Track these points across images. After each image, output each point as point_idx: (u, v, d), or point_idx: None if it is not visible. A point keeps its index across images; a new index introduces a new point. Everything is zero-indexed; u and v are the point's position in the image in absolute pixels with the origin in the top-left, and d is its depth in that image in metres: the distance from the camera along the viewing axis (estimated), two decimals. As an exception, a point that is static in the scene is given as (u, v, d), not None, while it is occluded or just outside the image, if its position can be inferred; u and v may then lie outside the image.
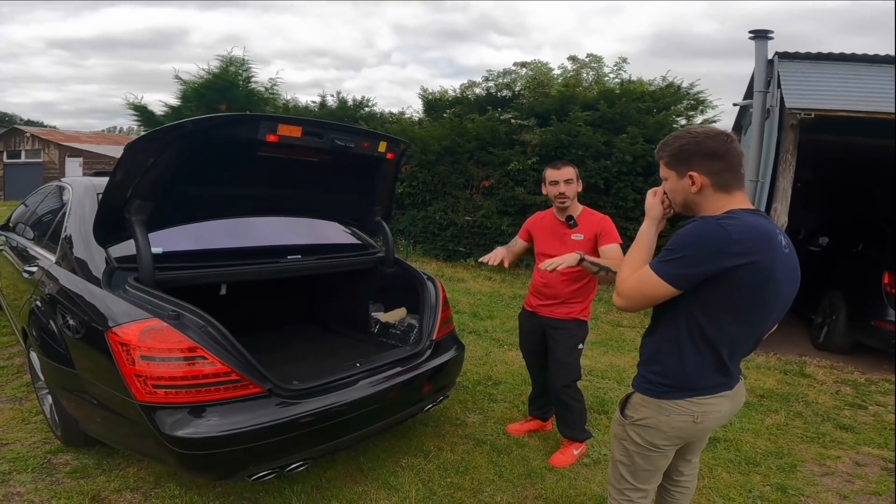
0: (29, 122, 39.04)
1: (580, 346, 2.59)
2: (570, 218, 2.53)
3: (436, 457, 2.63)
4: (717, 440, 2.92)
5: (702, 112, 8.50)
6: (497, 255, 2.49)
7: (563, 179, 2.48)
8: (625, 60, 9.67)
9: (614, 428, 1.66)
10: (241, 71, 11.85)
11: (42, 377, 2.51)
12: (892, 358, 4.43)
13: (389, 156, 2.54)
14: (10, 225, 3.83)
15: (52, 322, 2.23)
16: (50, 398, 2.48)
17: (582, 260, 2.15)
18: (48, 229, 2.83)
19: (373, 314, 3.04)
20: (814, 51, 4.61)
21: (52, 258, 2.49)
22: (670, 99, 8.16)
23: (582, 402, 2.64)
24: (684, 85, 8.47)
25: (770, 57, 4.56)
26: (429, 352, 2.52)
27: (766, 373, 4.16)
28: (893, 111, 3.91)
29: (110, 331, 1.84)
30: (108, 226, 2.04)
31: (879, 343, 4.43)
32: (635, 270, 1.42)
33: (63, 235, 2.48)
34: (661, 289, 1.34)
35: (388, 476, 2.44)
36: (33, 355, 2.58)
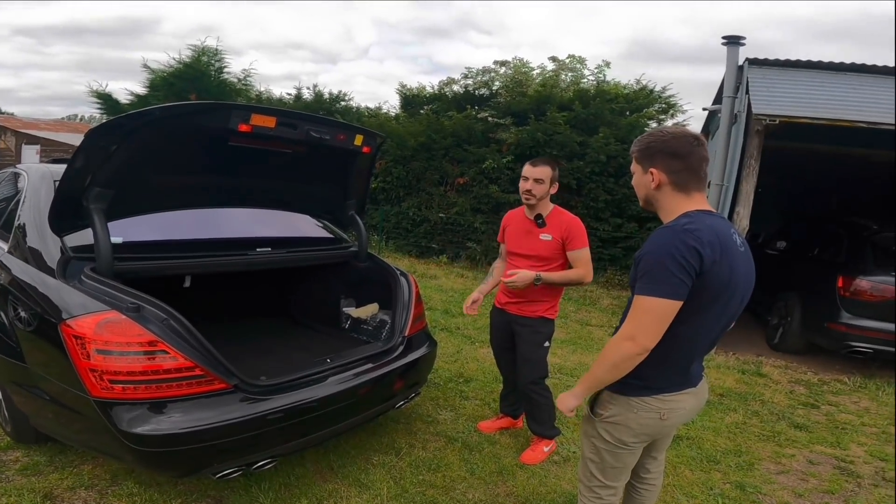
0: (-16, 108, 37.06)
1: (546, 343, 2.62)
2: (538, 217, 2.53)
3: (407, 454, 2.61)
4: (680, 438, 2.99)
5: (672, 115, 8.76)
6: (472, 301, 2.73)
7: (533, 177, 2.48)
8: (607, 64, 9.81)
9: (584, 426, 1.69)
10: (213, 61, 11.53)
11: None
12: (844, 357, 4.60)
13: (365, 149, 2.50)
14: None
15: (2, 314, 2.12)
16: (0, 393, 2.36)
17: (538, 279, 2.24)
18: (1, 217, 2.69)
19: (344, 309, 2.99)
20: (782, 57, 4.73)
21: (5, 247, 2.36)
22: (642, 101, 8.35)
23: (550, 398, 2.66)
24: (657, 89, 8.69)
25: (740, 63, 4.66)
26: (401, 348, 2.51)
27: (725, 372, 4.28)
28: (856, 119, 4.06)
29: (64, 323, 1.76)
30: (65, 213, 1.95)
31: (832, 344, 4.58)
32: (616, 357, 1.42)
33: (17, 223, 2.35)
34: (671, 307, 1.34)
35: (358, 474, 2.41)
36: None
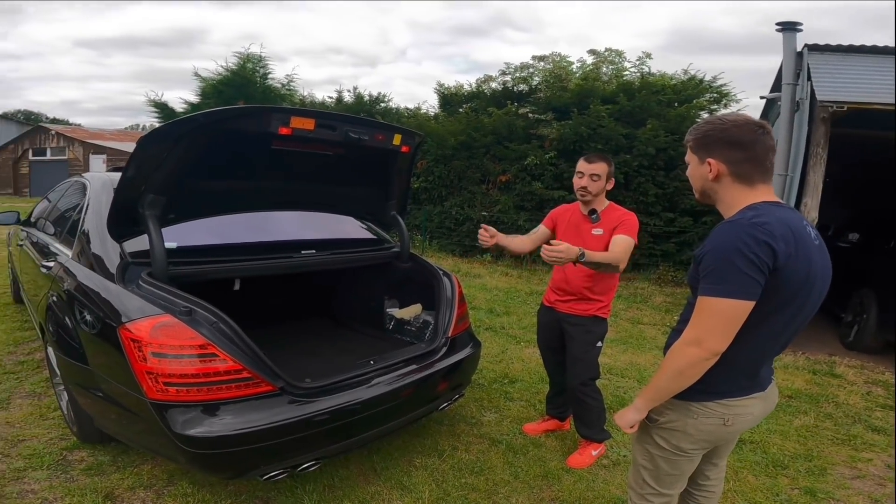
0: (54, 121, 39.99)
1: (598, 343, 2.53)
2: (592, 212, 2.47)
3: (450, 456, 2.58)
4: (742, 442, 2.84)
5: (726, 105, 8.34)
6: (489, 236, 2.43)
7: (588, 173, 2.42)
8: (648, 55, 9.45)
9: (639, 432, 1.59)
10: (258, 67, 11.95)
11: (58, 373, 2.52)
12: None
13: (404, 149, 2.48)
14: (32, 220, 3.88)
15: (67, 317, 2.23)
16: (66, 394, 2.49)
17: (582, 256, 2.09)
18: (67, 224, 2.84)
19: (388, 310, 3.00)
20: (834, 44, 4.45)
21: (70, 253, 2.49)
22: (692, 92, 7.99)
23: (600, 401, 2.58)
24: (707, 78, 8.29)
25: (798, 49, 4.41)
26: (444, 349, 2.48)
27: (794, 373, 4.04)
28: None
29: (122, 326, 1.82)
30: (122, 220, 2.03)
31: None
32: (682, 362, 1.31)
33: (80, 230, 2.48)
34: (743, 308, 1.23)
35: (401, 476, 2.41)
36: (50, 351, 2.60)
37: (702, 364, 1.28)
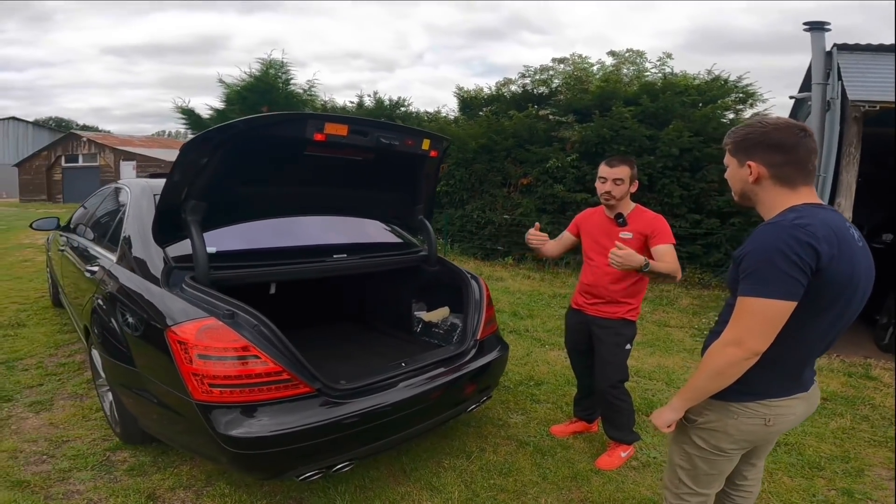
0: (84, 128, 41.27)
1: (627, 346, 2.52)
2: (619, 216, 2.47)
3: (478, 458, 2.60)
4: (777, 444, 2.79)
5: (751, 105, 8.19)
6: (538, 238, 2.53)
7: (612, 178, 2.42)
8: (669, 56, 9.38)
9: (675, 431, 1.58)
10: (280, 73, 12.18)
11: (103, 374, 2.60)
12: None
13: (433, 153, 2.53)
14: (71, 226, 4.01)
15: (113, 320, 2.31)
16: (110, 395, 2.56)
17: (646, 266, 2.09)
18: (108, 230, 2.94)
19: (416, 313, 3.03)
20: (863, 42, 4.38)
21: (113, 258, 2.57)
22: (717, 92, 7.87)
23: (629, 403, 2.57)
24: (731, 78, 8.16)
25: (828, 49, 4.35)
26: (473, 351, 2.49)
27: (829, 375, 3.97)
28: None
29: (169, 329, 1.88)
30: (166, 226, 2.09)
31: None
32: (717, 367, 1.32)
33: (123, 236, 2.57)
34: (784, 309, 1.23)
35: (430, 477, 2.43)
36: (94, 353, 2.68)
37: (741, 364, 1.28)
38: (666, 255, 2.31)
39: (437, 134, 2.56)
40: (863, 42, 4.46)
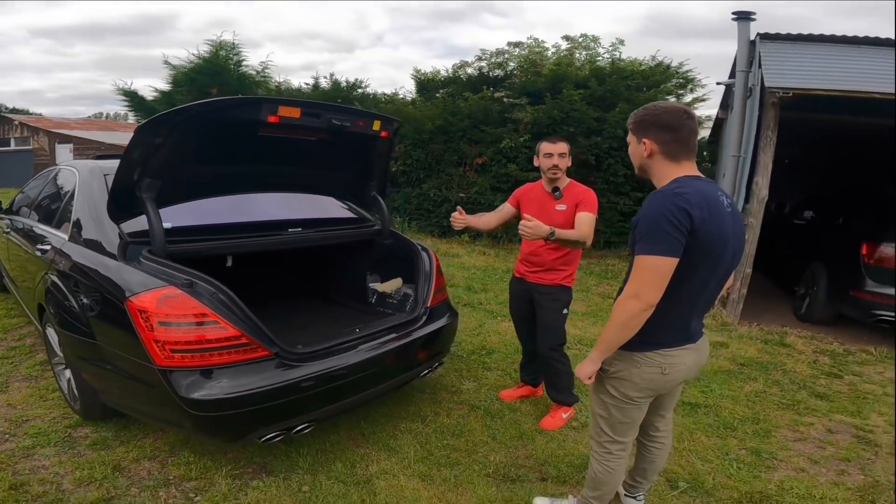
0: (14, 111, 38.36)
1: (564, 310, 2.72)
2: (556, 189, 2.64)
3: (433, 421, 2.77)
4: (697, 406, 3.06)
5: (691, 90, 8.63)
6: (460, 220, 2.62)
7: (557, 153, 2.59)
8: (621, 42, 9.70)
9: (594, 384, 1.81)
10: (231, 55, 11.72)
11: (59, 353, 2.61)
12: (873, 327, 4.49)
13: (383, 134, 2.64)
14: (14, 209, 3.90)
15: (70, 296, 2.33)
16: (68, 373, 2.58)
17: (552, 234, 2.28)
18: (57, 210, 2.91)
19: (370, 285, 3.16)
20: (805, 32, 4.67)
21: (65, 236, 2.57)
22: (659, 77, 8.24)
23: (568, 365, 2.75)
24: (674, 64, 8.56)
25: (752, 38, 4.64)
26: (424, 318, 2.65)
27: (748, 342, 4.28)
28: (870, 90, 4.00)
29: (128, 300, 1.94)
30: (121, 203, 2.14)
31: (857, 313, 4.51)
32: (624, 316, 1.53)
33: (74, 215, 2.57)
34: (669, 264, 1.45)
35: (387, 439, 2.58)
36: (50, 331, 2.68)
37: (641, 315, 1.51)
38: (582, 223, 2.49)
39: (387, 115, 2.68)
40: (804, 32, 4.74)
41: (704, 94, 8.62)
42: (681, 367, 1.67)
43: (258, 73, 12.09)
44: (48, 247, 2.69)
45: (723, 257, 1.56)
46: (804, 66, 4.35)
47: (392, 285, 3.02)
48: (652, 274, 1.47)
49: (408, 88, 12.68)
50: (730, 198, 1.62)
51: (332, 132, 2.40)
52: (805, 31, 4.65)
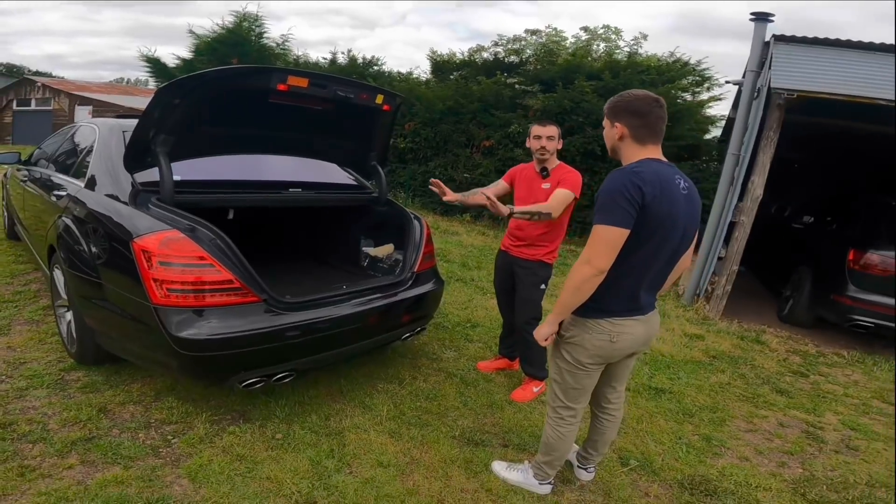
0: (37, 73, 38.78)
1: (542, 286, 2.82)
2: (544, 170, 2.76)
3: (409, 384, 2.91)
4: (663, 391, 3.16)
5: (709, 88, 8.57)
6: (445, 192, 2.73)
7: (546, 135, 2.69)
8: (644, 37, 9.63)
9: (551, 349, 1.94)
10: (254, 27, 11.85)
11: (63, 294, 2.76)
12: (848, 332, 4.58)
13: (386, 107, 2.77)
14: (32, 161, 4.06)
15: (81, 238, 2.48)
16: (69, 315, 2.72)
17: (511, 213, 2.40)
18: (75, 162, 3.07)
19: (363, 249, 3.29)
20: (842, 38, 4.64)
21: (81, 184, 2.73)
22: (674, 73, 8.20)
23: None
24: (692, 61, 8.49)
25: (767, 39, 4.65)
26: (410, 282, 2.79)
27: (724, 336, 4.36)
28: (875, 97, 4.00)
29: (134, 240, 2.09)
30: (137, 155, 2.32)
31: (836, 317, 4.58)
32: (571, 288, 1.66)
33: (91, 165, 2.73)
34: (620, 234, 1.59)
35: (364, 397, 2.71)
36: (57, 273, 2.83)
37: (592, 280, 1.64)
38: (554, 197, 2.56)
39: (390, 91, 2.80)
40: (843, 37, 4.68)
41: (721, 94, 8.59)
42: (628, 336, 1.79)
43: (278, 45, 12.20)
44: (63, 193, 2.85)
45: (671, 234, 1.69)
46: (813, 70, 4.35)
47: (384, 250, 3.15)
48: (603, 242, 1.60)
49: (423, 69, 12.67)
50: (688, 181, 1.75)
51: (337, 103, 2.53)
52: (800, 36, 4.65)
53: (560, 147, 2.76)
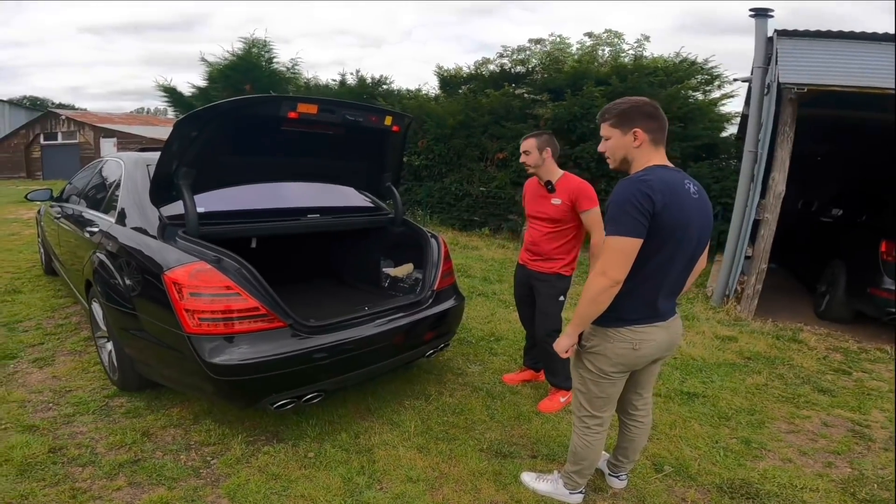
0: (60, 106, 40.32)
1: (561, 298, 2.82)
2: (548, 183, 2.75)
3: (435, 399, 2.92)
4: (696, 395, 3.10)
5: (718, 87, 8.49)
6: None
7: (522, 151, 2.76)
8: (647, 38, 9.62)
9: (573, 359, 1.94)
10: (263, 52, 12.20)
11: (103, 326, 2.88)
12: (891, 326, 4.43)
13: (395, 128, 2.83)
14: (64, 197, 4.24)
15: (115, 272, 2.60)
16: (109, 346, 2.84)
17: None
18: (105, 197, 3.21)
19: (383, 269, 3.35)
20: (846, 29, 4.63)
21: (112, 220, 2.85)
22: (682, 74, 8.15)
23: None
24: (699, 60, 8.44)
25: (770, 34, 4.64)
26: (430, 300, 2.83)
27: (758, 337, 4.25)
28: (885, 87, 3.94)
29: (165, 273, 2.19)
30: (161, 189, 2.42)
31: (875, 311, 4.45)
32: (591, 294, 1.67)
33: (120, 200, 2.85)
34: (633, 244, 1.59)
35: (391, 414, 2.74)
36: (95, 306, 2.95)
37: (608, 291, 1.64)
38: (590, 223, 2.64)
39: (399, 112, 2.87)
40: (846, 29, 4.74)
41: (732, 91, 8.50)
42: (651, 343, 1.79)
43: (288, 69, 12.52)
44: (96, 229, 2.98)
45: (685, 240, 1.68)
46: (820, 63, 4.31)
47: (404, 270, 3.21)
48: (617, 253, 1.61)
49: (432, 84, 12.83)
50: (697, 185, 1.74)
51: (347, 127, 2.59)
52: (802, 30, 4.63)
53: (549, 157, 2.73)
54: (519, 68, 9.70)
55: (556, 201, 2.72)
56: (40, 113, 27.04)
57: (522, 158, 2.77)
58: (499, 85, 9.14)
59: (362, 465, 2.32)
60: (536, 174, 2.80)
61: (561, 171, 2.78)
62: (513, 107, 8.53)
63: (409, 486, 2.18)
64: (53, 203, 4.44)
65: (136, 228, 2.59)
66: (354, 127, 2.60)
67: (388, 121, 2.76)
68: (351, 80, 11.47)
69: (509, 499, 2.15)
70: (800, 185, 6.49)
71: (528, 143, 2.76)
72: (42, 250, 5.24)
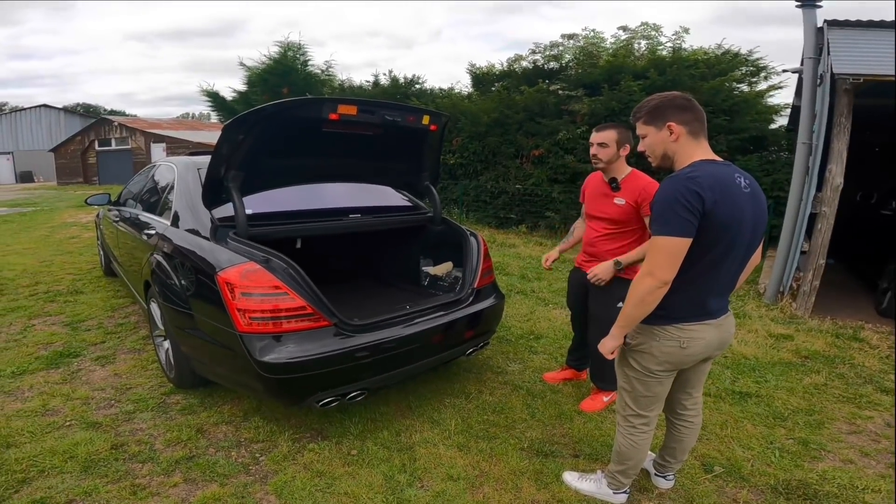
0: (113, 112, 42.48)
1: (619, 304, 2.61)
2: (612, 180, 2.54)
3: (476, 398, 2.93)
4: (749, 395, 3.00)
5: (765, 78, 8.14)
6: (548, 259, 2.92)
7: (597, 142, 2.52)
8: (686, 30, 9.27)
9: (618, 358, 1.89)
10: (298, 55, 12.52)
11: (160, 325, 3.01)
12: None
13: (433, 127, 2.85)
14: (121, 201, 4.47)
15: (172, 273, 2.71)
16: (166, 344, 2.96)
17: (618, 265, 2.35)
18: (159, 200, 3.36)
19: (423, 268, 3.38)
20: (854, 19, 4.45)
21: (167, 222, 2.99)
22: (726, 66, 7.85)
23: None
24: (742, 52, 8.11)
25: (819, 24, 4.47)
26: (470, 298, 2.83)
27: (816, 335, 4.08)
28: None
29: (218, 274, 2.28)
30: (212, 192, 2.51)
31: None
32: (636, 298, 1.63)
33: (174, 204, 2.98)
34: (681, 243, 1.54)
35: (432, 412, 2.76)
36: (153, 306, 3.09)
37: (656, 292, 1.60)
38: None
39: (436, 111, 2.88)
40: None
41: (781, 82, 8.12)
42: (700, 342, 1.72)
43: (322, 71, 12.80)
44: (153, 231, 3.12)
45: (738, 237, 1.62)
46: (874, 52, 4.11)
47: (443, 269, 3.22)
48: (664, 253, 1.55)
49: (464, 83, 12.84)
50: (748, 178, 1.66)
51: (386, 127, 2.63)
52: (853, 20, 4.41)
53: (626, 153, 2.50)
54: (552, 64, 9.57)
55: (619, 201, 2.52)
56: (94, 119, 28.61)
57: (595, 150, 2.52)
58: (532, 81, 9.04)
59: (403, 462, 2.34)
60: (605, 170, 2.59)
61: (629, 168, 2.56)
62: (548, 103, 8.44)
63: (450, 485, 2.20)
64: (111, 207, 4.67)
65: (189, 230, 2.70)
66: (393, 127, 2.63)
67: (425, 120, 2.78)
68: (384, 80, 11.63)
69: (551, 498, 2.13)
70: (857, 176, 6.15)
71: (607, 135, 2.50)
72: (101, 252, 5.52)
